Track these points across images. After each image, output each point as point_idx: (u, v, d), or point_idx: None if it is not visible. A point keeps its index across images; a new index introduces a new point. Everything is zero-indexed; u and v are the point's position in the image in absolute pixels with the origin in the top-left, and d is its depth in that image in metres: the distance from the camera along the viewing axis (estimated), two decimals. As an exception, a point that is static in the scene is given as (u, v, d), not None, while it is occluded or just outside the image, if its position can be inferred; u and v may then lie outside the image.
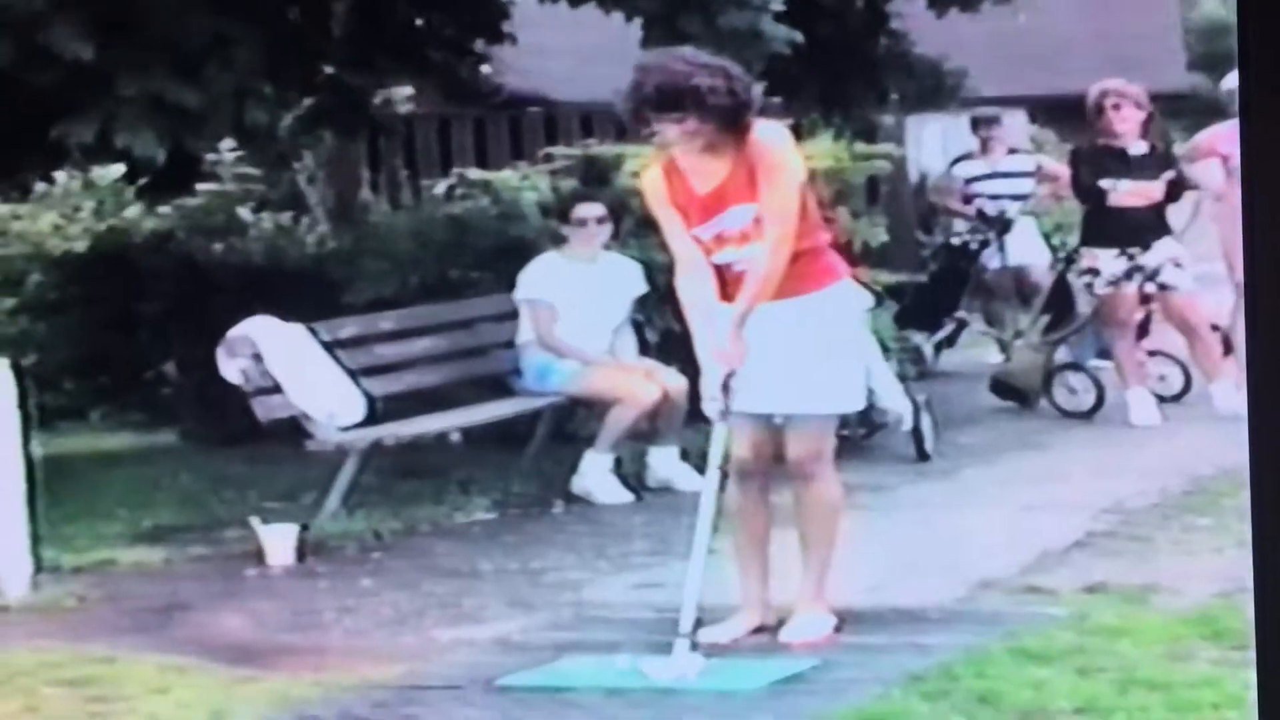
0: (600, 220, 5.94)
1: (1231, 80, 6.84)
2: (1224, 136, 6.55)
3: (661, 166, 3.86)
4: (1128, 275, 6.57)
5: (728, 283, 3.80)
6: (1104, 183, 6.55)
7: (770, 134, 3.82)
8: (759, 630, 3.90)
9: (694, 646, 3.69)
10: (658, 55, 4.06)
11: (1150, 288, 6.60)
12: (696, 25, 5.69)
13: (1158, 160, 6.64)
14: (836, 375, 3.87)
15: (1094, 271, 6.64)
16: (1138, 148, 6.61)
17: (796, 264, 3.77)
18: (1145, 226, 6.56)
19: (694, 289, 3.82)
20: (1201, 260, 6.69)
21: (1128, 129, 6.56)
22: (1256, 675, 1.33)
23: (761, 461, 3.89)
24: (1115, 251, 6.56)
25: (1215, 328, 6.58)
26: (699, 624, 3.73)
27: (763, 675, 3.66)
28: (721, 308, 3.79)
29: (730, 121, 3.70)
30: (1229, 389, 6.21)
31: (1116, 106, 6.54)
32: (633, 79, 3.78)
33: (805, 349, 3.79)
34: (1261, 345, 1.34)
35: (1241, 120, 1.32)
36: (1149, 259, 6.55)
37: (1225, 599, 3.99)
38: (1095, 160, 6.63)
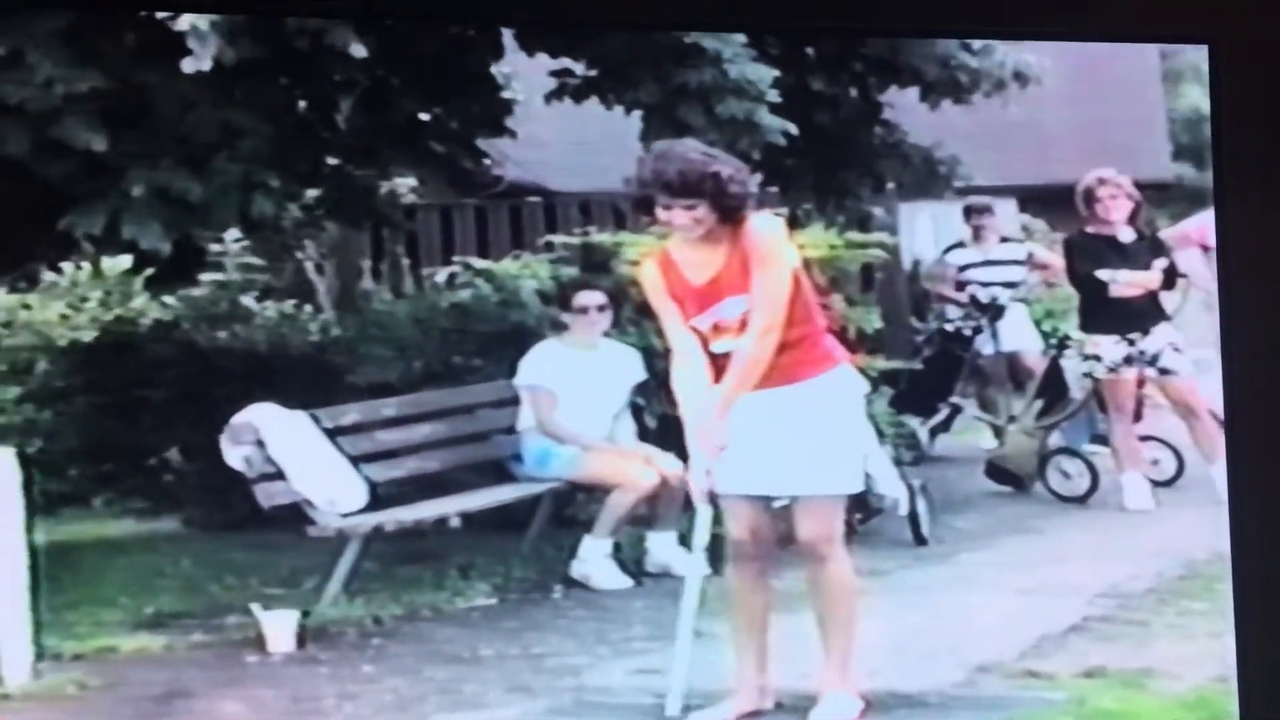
0: (601, 308, 6.02)
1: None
2: (1205, 226, 6.69)
3: (657, 260, 3.96)
4: (1128, 360, 6.67)
5: (724, 371, 3.88)
6: (1102, 274, 6.69)
7: (764, 224, 3.93)
8: (753, 714, 3.92)
9: (688, 731, 3.71)
10: (669, 144, 4.17)
11: (1151, 372, 6.69)
12: (697, 116, 5.81)
13: (1148, 247, 6.78)
14: (837, 458, 3.94)
15: (1096, 358, 6.74)
16: (1127, 235, 6.76)
17: (793, 350, 3.86)
18: (1144, 313, 6.69)
19: (687, 378, 3.91)
20: (1192, 346, 6.77)
21: (1120, 217, 6.72)
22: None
23: (759, 544, 3.94)
24: (1116, 337, 6.67)
25: (1214, 414, 6.64)
26: (687, 709, 3.74)
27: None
28: (714, 392, 3.87)
29: (734, 211, 3.82)
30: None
31: (1114, 196, 6.70)
32: (649, 166, 3.89)
33: (805, 432, 3.86)
34: (1238, 432, 1.41)
35: (1216, 209, 1.40)
36: (1149, 344, 6.66)
37: (1221, 683, 4.01)
38: (1089, 249, 6.77)
